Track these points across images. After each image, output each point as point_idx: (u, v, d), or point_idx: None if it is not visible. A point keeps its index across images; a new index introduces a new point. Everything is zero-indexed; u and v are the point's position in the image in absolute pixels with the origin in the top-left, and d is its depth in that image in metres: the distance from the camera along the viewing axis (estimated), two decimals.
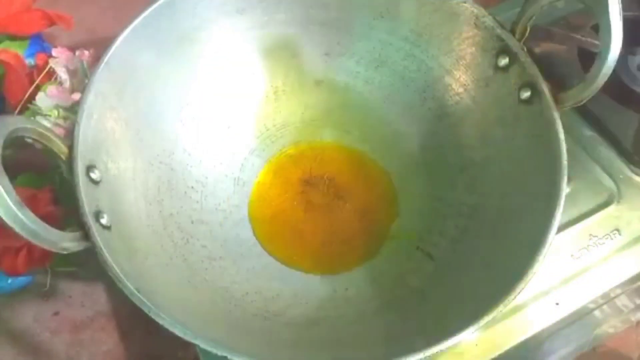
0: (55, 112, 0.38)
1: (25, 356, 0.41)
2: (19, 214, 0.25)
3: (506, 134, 0.37)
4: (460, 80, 0.39)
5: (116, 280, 0.27)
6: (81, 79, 0.40)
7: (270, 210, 0.41)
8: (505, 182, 0.36)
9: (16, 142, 0.29)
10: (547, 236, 0.30)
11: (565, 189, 0.31)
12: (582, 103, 0.32)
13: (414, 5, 0.39)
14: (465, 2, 0.37)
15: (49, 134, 0.30)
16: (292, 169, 0.43)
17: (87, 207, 0.29)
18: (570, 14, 0.46)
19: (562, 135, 0.32)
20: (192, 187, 0.39)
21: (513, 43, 0.35)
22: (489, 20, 0.36)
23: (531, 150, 0.34)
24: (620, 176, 0.41)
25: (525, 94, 0.35)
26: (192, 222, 0.38)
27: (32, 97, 0.39)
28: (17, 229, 0.25)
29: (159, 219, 0.36)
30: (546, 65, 0.35)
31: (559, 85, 0.34)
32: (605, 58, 0.30)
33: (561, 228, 0.38)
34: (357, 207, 0.41)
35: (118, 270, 0.28)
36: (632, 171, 0.41)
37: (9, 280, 0.41)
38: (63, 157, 0.31)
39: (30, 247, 0.36)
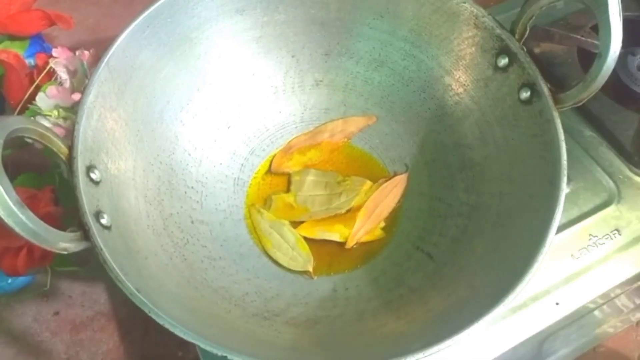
0: (56, 112, 0.38)
1: (25, 356, 0.41)
2: (19, 214, 0.25)
3: (506, 134, 0.37)
4: (460, 80, 0.39)
5: (116, 281, 0.27)
6: (81, 79, 0.40)
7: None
8: (505, 182, 0.36)
9: (16, 142, 0.29)
10: (547, 236, 0.30)
11: (565, 189, 0.31)
12: (581, 103, 0.33)
13: (414, 5, 0.39)
14: (465, 2, 0.37)
15: (49, 134, 0.30)
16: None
17: (87, 207, 0.29)
18: (570, 14, 0.46)
19: (562, 135, 0.32)
20: (192, 187, 0.39)
21: (513, 43, 0.35)
22: (488, 20, 0.36)
23: (531, 150, 0.34)
24: (620, 176, 0.41)
25: (525, 94, 0.35)
26: (192, 222, 0.38)
27: (32, 97, 0.39)
28: (17, 229, 0.25)
29: (159, 219, 0.36)
30: (546, 65, 0.35)
31: (558, 85, 0.34)
32: (605, 58, 0.30)
33: (561, 228, 0.38)
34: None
35: (118, 271, 0.28)
36: (632, 171, 0.41)
37: (9, 280, 0.41)
38: (63, 157, 0.31)
39: (30, 247, 0.36)
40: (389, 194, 0.40)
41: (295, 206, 0.41)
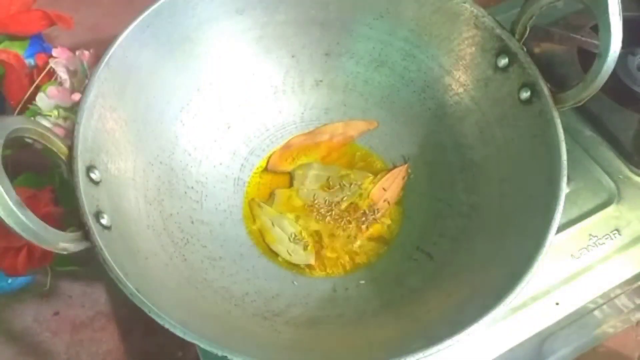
0: (56, 113, 0.39)
1: (25, 356, 0.41)
2: (19, 214, 0.25)
3: (506, 134, 0.37)
4: (460, 81, 0.39)
5: (116, 281, 0.27)
6: (81, 79, 0.40)
7: None
8: (505, 182, 0.36)
9: (16, 142, 0.29)
10: (547, 236, 0.30)
11: (565, 189, 0.31)
12: (581, 103, 0.33)
13: (414, 5, 0.39)
14: (465, 2, 0.37)
15: (49, 134, 0.30)
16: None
17: (87, 207, 0.29)
18: (570, 14, 0.46)
19: (562, 135, 0.32)
20: (192, 187, 0.39)
21: (513, 43, 0.35)
22: (488, 20, 0.36)
23: (531, 150, 0.34)
24: (620, 176, 0.41)
25: (525, 94, 0.35)
26: (192, 222, 0.38)
27: (32, 97, 0.39)
28: (17, 229, 0.25)
29: (159, 219, 0.36)
30: (546, 65, 0.35)
31: (558, 85, 0.34)
32: (605, 58, 0.30)
33: (561, 228, 0.38)
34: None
35: (118, 271, 0.28)
36: (632, 171, 0.41)
37: (9, 280, 0.41)
38: (63, 157, 0.31)
39: (30, 247, 0.36)
40: (393, 183, 0.41)
41: (298, 200, 0.41)
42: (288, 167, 0.42)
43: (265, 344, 0.33)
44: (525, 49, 0.35)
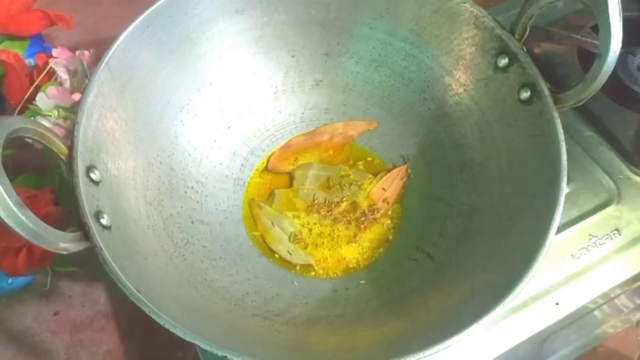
0: (56, 113, 0.39)
1: (25, 356, 0.41)
2: (19, 214, 0.25)
3: (506, 134, 0.37)
4: (460, 81, 0.39)
5: (116, 281, 0.27)
6: (81, 79, 0.40)
7: None
8: (505, 182, 0.36)
9: (16, 142, 0.29)
10: (546, 236, 0.30)
11: (565, 189, 0.31)
12: (581, 103, 0.33)
13: (414, 5, 0.39)
14: (465, 2, 0.37)
15: (49, 134, 0.30)
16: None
17: (87, 207, 0.29)
18: (570, 14, 0.46)
19: (562, 135, 0.32)
20: (192, 187, 0.39)
21: (513, 43, 0.35)
22: (488, 21, 0.36)
23: (531, 150, 0.34)
24: (620, 176, 0.41)
25: (525, 94, 0.35)
26: (192, 222, 0.38)
27: (32, 97, 0.39)
28: (17, 229, 0.25)
29: (159, 219, 0.36)
30: (546, 65, 0.35)
31: (558, 85, 0.34)
32: (605, 58, 0.30)
33: (561, 228, 0.38)
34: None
35: (118, 271, 0.28)
36: (632, 171, 0.41)
37: (9, 280, 0.41)
38: (63, 157, 0.31)
39: (30, 247, 0.36)
40: (393, 183, 0.41)
41: (298, 200, 0.41)
42: (288, 167, 0.42)
43: (265, 344, 0.33)
44: (525, 49, 0.35)
